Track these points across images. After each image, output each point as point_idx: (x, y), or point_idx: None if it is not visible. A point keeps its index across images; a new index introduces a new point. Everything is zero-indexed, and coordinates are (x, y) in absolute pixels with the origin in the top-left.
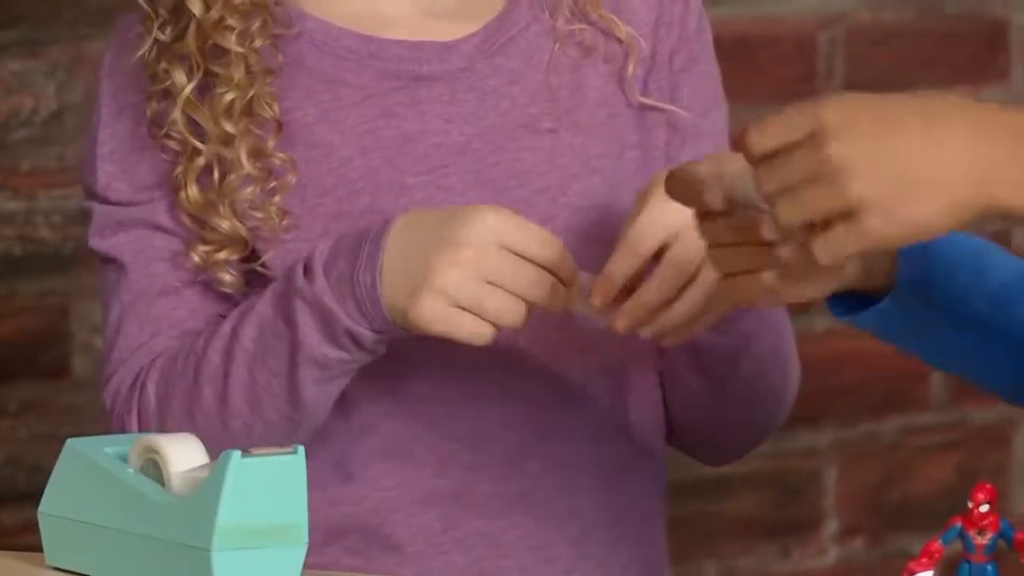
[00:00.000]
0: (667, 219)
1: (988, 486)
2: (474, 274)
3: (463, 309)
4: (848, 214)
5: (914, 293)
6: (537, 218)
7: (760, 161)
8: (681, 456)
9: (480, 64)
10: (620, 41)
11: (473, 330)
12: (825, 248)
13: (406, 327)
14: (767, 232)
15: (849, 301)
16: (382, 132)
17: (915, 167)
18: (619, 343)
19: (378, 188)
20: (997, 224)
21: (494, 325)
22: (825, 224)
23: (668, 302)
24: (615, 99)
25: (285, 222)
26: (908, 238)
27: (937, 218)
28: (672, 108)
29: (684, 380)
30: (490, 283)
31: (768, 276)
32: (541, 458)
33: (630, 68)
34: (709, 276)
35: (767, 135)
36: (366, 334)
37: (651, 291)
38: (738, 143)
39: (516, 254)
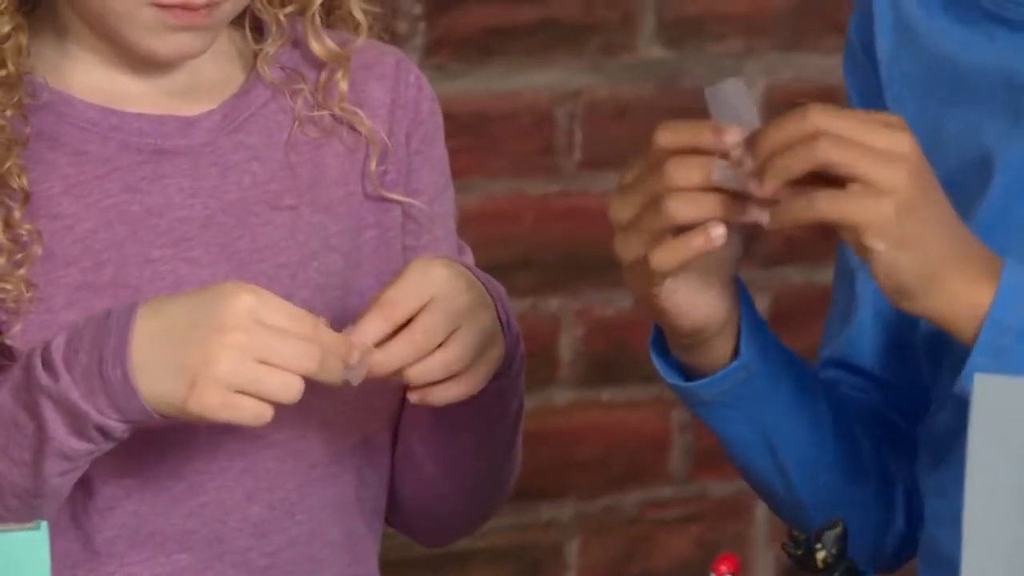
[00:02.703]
0: (422, 290)
1: (731, 557)
2: (248, 356)
3: (241, 392)
4: (874, 190)
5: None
6: (279, 293)
7: (820, 134)
8: None
9: (221, 140)
10: (360, 133)
11: (255, 412)
12: (826, 200)
13: (180, 416)
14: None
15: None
16: (126, 206)
17: (933, 217)
18: (359, 421)
19: (123, 260)
20: None
21: (272, 403)
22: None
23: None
24: (353, 180)
25: (30, 294)
26: (880, 236)
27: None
28: (409, 201)
29: (418, 464)
30: (263, 362)
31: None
32: (284, 532)
33: (372, 164)
34: (457, 348)
35: (842, 118)
36: (116, 426)
37: (395, 350)
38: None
39: (276, 329)
